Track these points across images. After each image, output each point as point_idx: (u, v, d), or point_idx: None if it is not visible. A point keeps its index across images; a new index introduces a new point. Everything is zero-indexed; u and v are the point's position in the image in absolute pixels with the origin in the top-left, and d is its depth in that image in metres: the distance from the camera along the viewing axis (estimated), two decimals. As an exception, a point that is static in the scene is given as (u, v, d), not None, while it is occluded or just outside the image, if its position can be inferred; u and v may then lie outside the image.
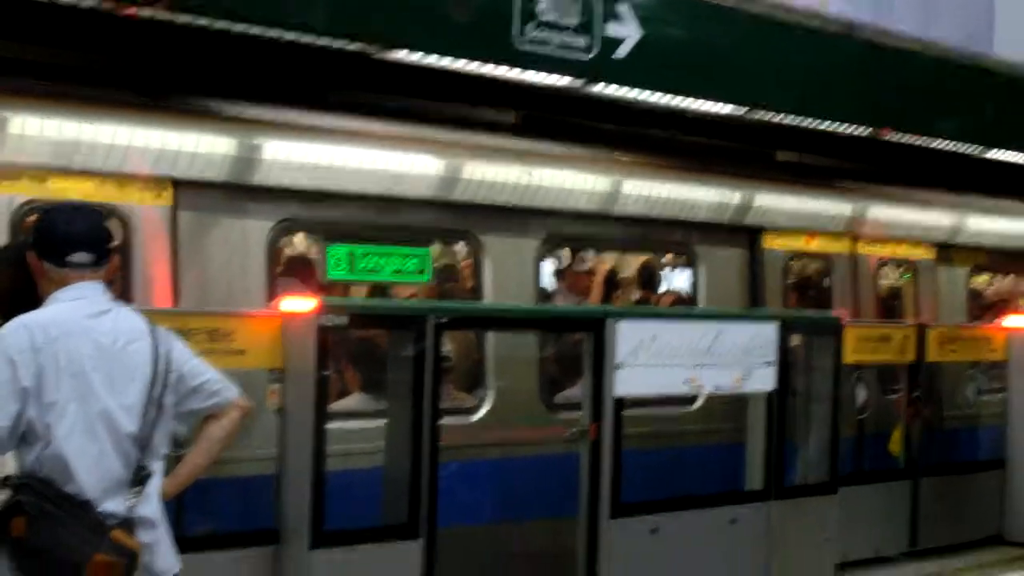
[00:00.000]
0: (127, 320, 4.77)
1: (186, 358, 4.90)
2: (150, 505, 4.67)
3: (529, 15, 8.75)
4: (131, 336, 4.72)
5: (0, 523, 4.41)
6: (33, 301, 5.23)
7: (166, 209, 7.58)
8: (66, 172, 7.21)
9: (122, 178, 7.41)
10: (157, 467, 4.73)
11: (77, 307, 4.68)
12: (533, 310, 8.91)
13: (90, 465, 4.51)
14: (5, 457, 4.61)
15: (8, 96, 7.18)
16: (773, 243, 10.86)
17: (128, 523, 4.53)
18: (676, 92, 9.89)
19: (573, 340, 9.19)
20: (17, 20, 7.41)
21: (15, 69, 7.47)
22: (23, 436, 4.49)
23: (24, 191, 7.09)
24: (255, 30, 7.72)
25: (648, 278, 11.07)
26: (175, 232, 7.60)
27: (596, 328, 8.17)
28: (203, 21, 7.59)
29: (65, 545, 4.39)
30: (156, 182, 7.54)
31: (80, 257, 4.70)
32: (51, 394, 4.49)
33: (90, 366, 4.58)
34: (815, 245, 11.35)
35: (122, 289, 7.14)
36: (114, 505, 4.53)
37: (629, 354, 8.21)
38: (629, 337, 8.23)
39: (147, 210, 7.51)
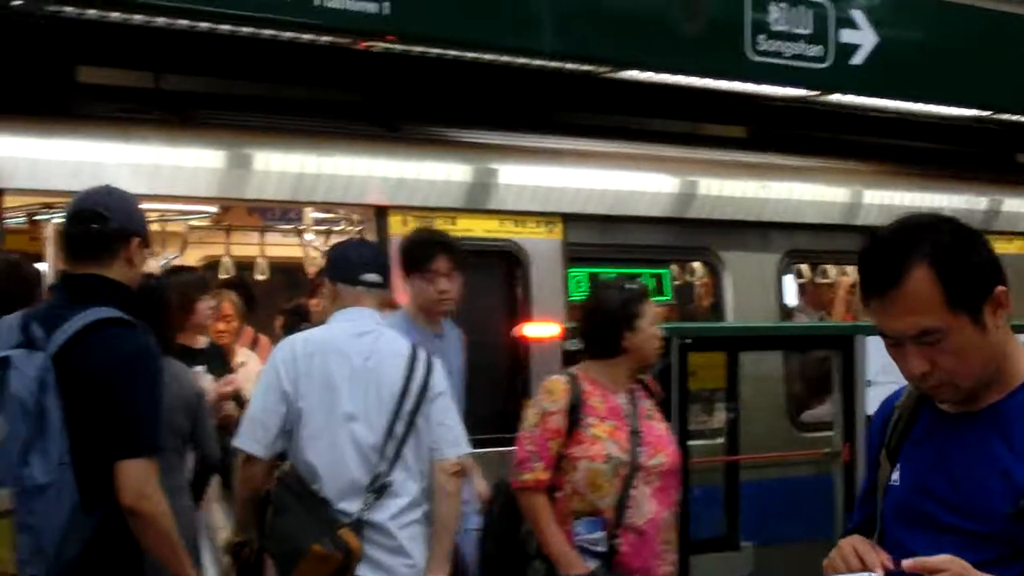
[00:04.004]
0: (389, 342, 5.12)
1: (440, 390, 5.11)
2: (386, 512, 4.95)
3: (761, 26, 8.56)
4: (385, 356, 5.05)
5: (263, 509, 4.92)
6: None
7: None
8: None
9: None
10: (411, 481, 5.01)
11: (342, 327, 5.11)
12: (778, 328, 8.67)
13: (329, 468, 4.93)
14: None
15: None
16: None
17: (358, 524, 4.89)
18: (914, 98, 9.59)
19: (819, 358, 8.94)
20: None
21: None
22: (290, 435, 4.97)
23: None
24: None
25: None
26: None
27: (844, 345, 7.91)
28: (433, 50, 7.64)
29: (293, 534, 4.85)
30: None
31: (371, 277, 5.13)
32: (303, 401, 4.96)
33: (340, 380, 4.98)
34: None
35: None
36: (349, 506, 4.91)
37: (880, 371, 7.93)
38: (880, 354, 7.93)
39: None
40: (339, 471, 4.92)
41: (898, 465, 2.90)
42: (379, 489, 4.92)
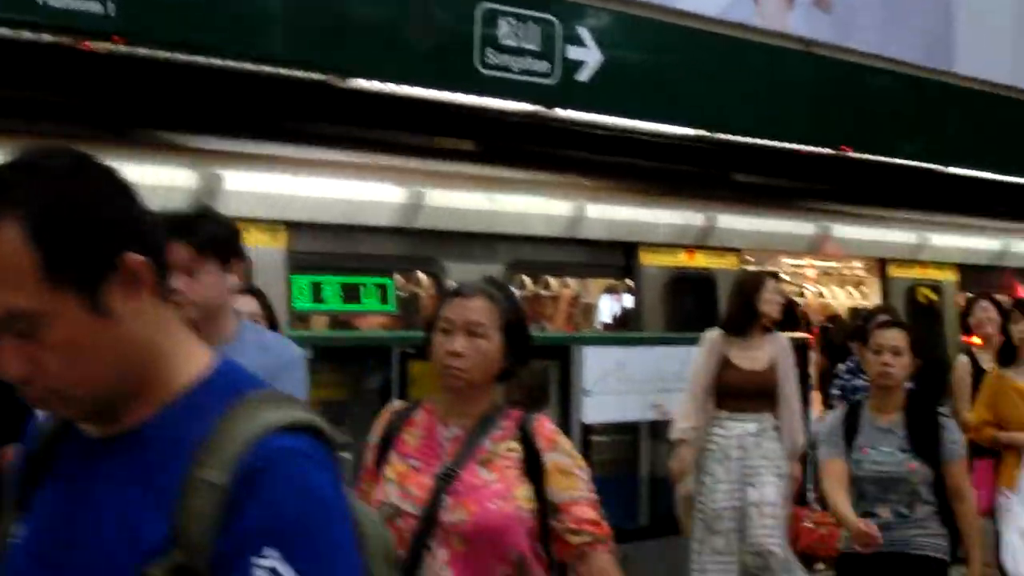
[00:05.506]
0: None
1: None
2: None
3: (490, 40, 8.70)
4: None
5: None
6: None
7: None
8: None
9: None
10: None
11: None
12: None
13: None
14: None
15: None
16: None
17: None
18: (637, 116, 9.88)
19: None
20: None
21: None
22: None
23: None
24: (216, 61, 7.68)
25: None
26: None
27: (562, 355, 8.12)
28: (160, 53, 7.55)
29: None
30: None
31: None
32: None
33: None
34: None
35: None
36: None
37: (597, 381, 8.17)
38: (596, 364, 8.19)
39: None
40: None
41: (25, 515, 2.01)
42: None
